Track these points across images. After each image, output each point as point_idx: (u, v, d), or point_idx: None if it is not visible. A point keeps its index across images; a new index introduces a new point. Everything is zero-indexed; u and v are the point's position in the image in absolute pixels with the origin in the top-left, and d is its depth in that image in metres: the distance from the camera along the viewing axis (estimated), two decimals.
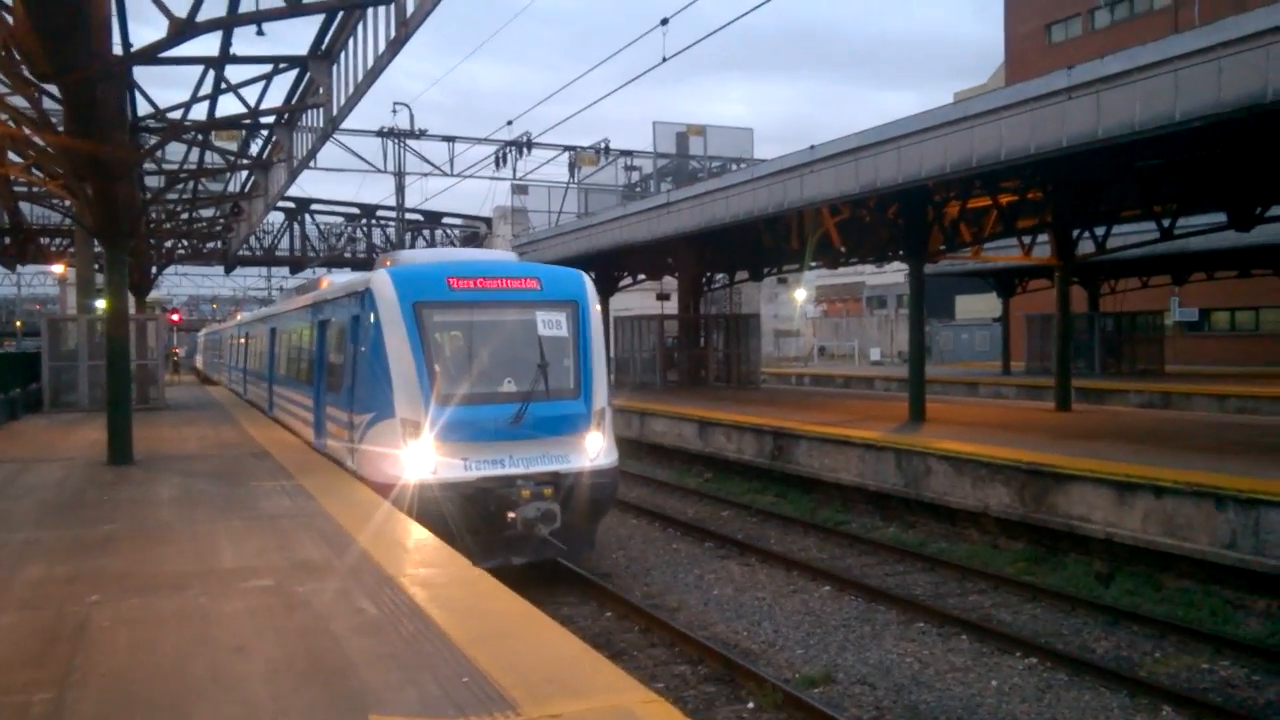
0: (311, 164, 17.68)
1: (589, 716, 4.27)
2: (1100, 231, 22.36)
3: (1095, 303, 35.93)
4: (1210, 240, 23.46)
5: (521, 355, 11.27)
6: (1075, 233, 21.42)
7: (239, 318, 30.24)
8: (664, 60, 18.47)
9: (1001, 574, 12.18)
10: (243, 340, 28.31)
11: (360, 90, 10.53)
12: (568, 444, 11.23)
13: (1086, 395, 25.79)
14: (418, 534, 8.45)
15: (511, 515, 10.41)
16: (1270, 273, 33.31)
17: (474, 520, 10.60)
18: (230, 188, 23.87)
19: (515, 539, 10.66)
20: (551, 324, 11.37)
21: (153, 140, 14.18)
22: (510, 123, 31.85)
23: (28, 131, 13.09)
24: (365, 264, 45.80)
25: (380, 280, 11.22)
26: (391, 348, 10.73)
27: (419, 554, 7.68)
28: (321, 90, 11.62)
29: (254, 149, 19.01)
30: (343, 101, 11.20)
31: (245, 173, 22.88)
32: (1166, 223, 20.37)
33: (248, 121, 14.84)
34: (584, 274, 12.19)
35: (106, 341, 13.36)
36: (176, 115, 12.86)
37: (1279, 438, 15.82)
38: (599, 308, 12.01)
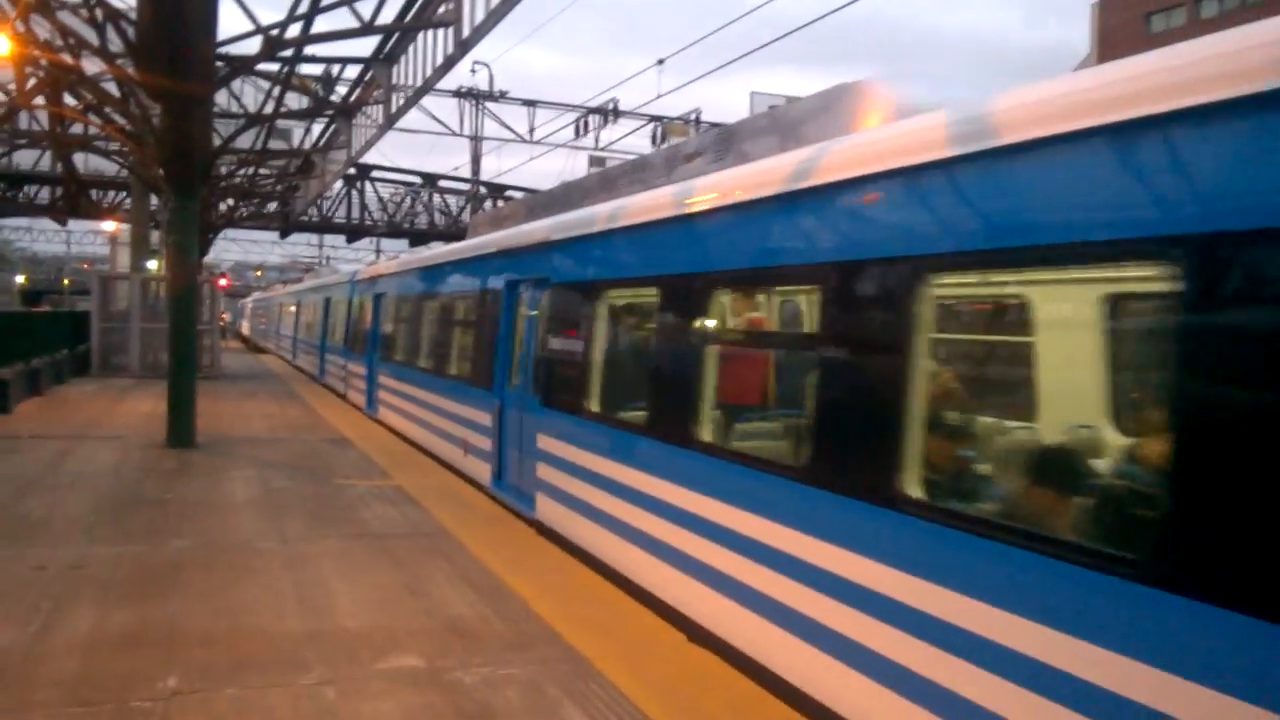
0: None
1: None
2: None
3: None
4: None
5: None
6: None
7: (325, 278, 24.67)
8: (761, 47, 15.47)
9: None
10: (340, 309, 19.82)
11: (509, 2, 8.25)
12: None
13: None
14: (586, 577, 6.28)
15: None
16: None
17: None
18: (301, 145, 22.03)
19: None
20: None
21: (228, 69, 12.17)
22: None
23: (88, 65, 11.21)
24: (426, 237, 42.81)
25: None
26: None
27: (604, 612, 5.51)
28: (445, 8, 9.40)
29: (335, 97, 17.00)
30: (479, 19, 8.94)
31: (319, 128, 20.96)
32: None
33: (339, 55, 12.75)
34: None
35: (171, 303, 11.38)
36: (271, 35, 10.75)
37: None
38: None
